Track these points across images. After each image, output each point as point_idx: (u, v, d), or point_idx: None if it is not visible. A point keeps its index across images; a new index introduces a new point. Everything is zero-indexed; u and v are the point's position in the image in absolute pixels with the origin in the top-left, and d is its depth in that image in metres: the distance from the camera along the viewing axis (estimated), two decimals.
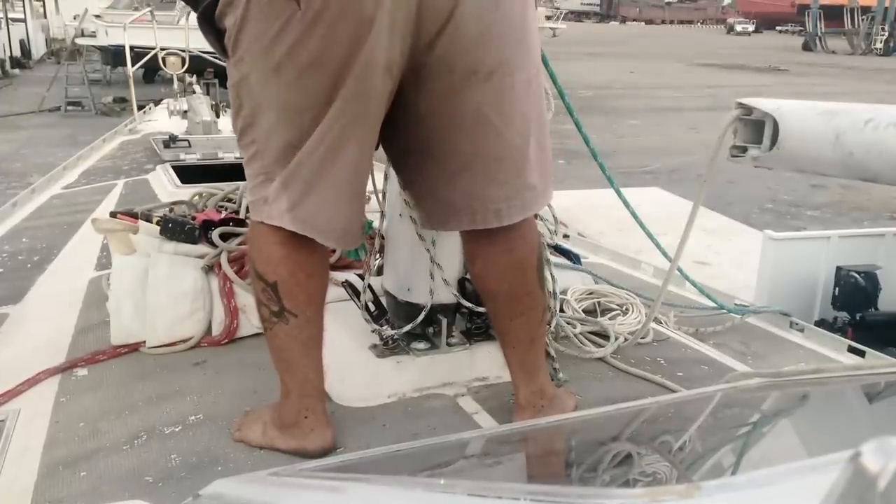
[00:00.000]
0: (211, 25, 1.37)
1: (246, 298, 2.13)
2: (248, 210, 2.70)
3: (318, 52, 1.27)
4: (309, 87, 1.32)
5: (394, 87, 1.36)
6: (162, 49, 7.14)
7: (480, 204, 1.45)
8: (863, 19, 36.99)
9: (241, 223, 2.51)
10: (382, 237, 1.98)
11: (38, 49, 24.58)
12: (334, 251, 2.37)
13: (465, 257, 1.60)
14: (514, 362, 1.62)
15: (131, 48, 7.07)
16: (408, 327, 1.85)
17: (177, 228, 2.33)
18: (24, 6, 23.41)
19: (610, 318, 2.24)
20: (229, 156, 4.39)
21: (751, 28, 54.79)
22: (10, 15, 21.79)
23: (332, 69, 1.29)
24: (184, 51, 7.16)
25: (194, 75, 6.83)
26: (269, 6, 1.27)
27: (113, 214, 2.62)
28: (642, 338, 2.15)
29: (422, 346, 1.90)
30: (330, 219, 1.42)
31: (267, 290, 1.45)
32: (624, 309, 2.30)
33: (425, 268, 1.82)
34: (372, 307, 1.90)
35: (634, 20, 68.87)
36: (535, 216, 1.63)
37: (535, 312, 1.57)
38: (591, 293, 2.39)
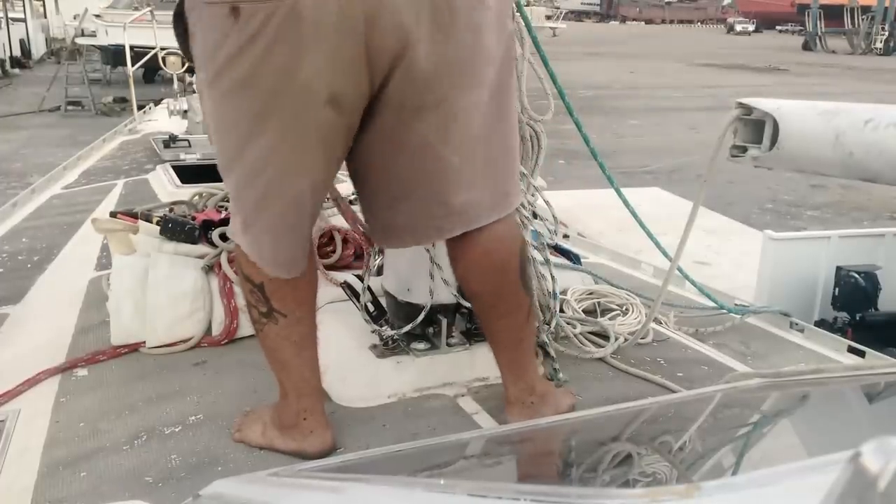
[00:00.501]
0: (182, 27, 1.36)
1: None
2: None
3: (251, 70, 1.24)
4: (240, 105, 1.29)
5: (351, 121, 1.33)
6: (162, 49, 7.14)
7: (422, 223, 1.46)
8: (863, 19, 36.97)
9: None
10: None
11: (38, 49, 24.56)
12: (333, 252, 2.37)
13: (449, 262, 1.60)
14: (502, 362, 1.64)
15: (131, 48, 7.08)
16: (408, 327, 1.85)
17: (177, 228, 2.33)
18: (24, 6, 23.39)
19: (610, 319, 2.24)
20: None
21: (751, 28, 54.77)
22: (10, 14, 21.79)
23: (265, 90, 1.26)
24: None
25: (194, 75, 6.82)
26: (212, 17, 1.24)
27: (113, 214, 2.62)
28: (642, 338, 2.15)
29: (422, 346, 1.90)
30: (272, 249, 1.41)
31: (255, 292, 1.46)
32: (624, 309, 2.30)
33: (425, 268, 1.82)
34: (371, 308, 1.90)
35: (634, 20, 68.85)
36: (536, 217, 1.63)
37: (518, 313, 1.57)
38: (591, 293, 2.39)
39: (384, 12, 1.22)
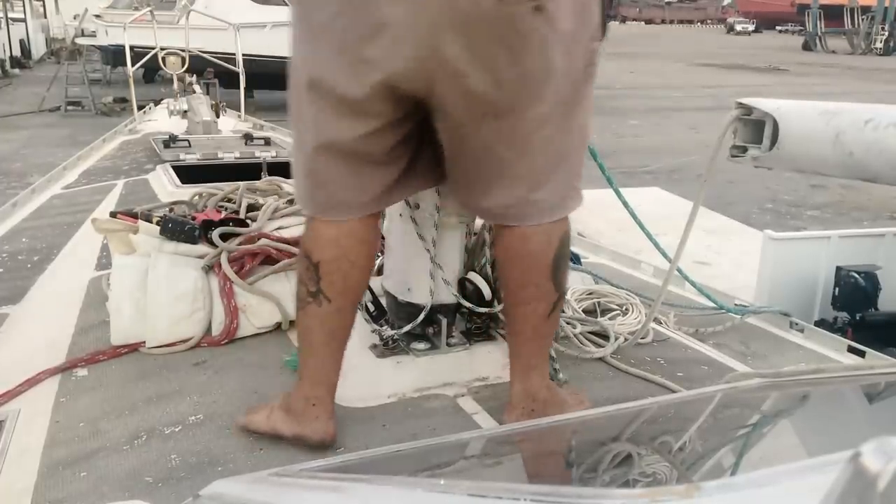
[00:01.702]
0: None
1: (246, 298, 2.13)
2: (248, 210, 2.72)
3: (330, 19, 1.32)
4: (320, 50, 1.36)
5: (405, 113, 1.40)
6: (162, 49, 7.14)
7: (489, 213, 1.57)
8: (863, 19, 36.98)
9: (242, 223, 2.51)
10: (382, 237, 1.98)
11: (38, 49, 24.57)
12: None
13: (492, 237, 1.71)
14: (512, 351, 1.64)
15: (131, 48, 7.06)
16: (408, 327, 1.85)
17: (177, 228, 2.33)
18: (24, 6, 23.40)
19: (610, 319, 2.24)
20: (229, 156, 4.39)
21: (751, 28, 54.77)
22: (10, 15, 21.79)
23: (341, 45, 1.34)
24: (184, 51, 7.16)
25: (194, 75, 6.83)
26: None
27: (113, 214, 2.62)
28: (642, 338, 2.15)
29: (422, 346, 1.90)
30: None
31: (310, 269, 1.50)
32: (624, 309, 2.30)
33: (425, 268, 1.82)
34: (372, 307, 1.90)
35: (634, 20, 68.76)
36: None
37: (541, 303, 1.57)
38: (591, 293, 2.39)
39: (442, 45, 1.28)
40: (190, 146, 4.58)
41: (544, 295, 1.56)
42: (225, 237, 2.32)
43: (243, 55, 7.21)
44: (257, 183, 3.18)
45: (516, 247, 1.54)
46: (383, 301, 1.94)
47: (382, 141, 1.43)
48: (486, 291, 1.86)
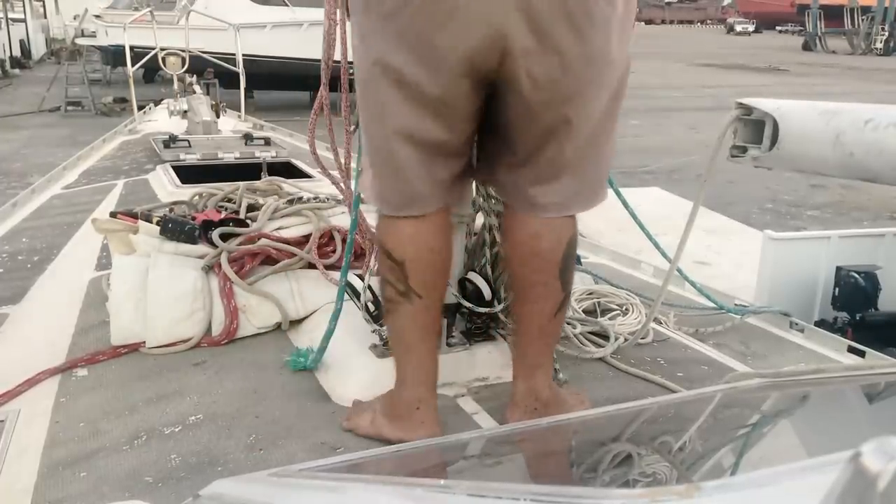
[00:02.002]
0: None
1: (246, 298, 2.13)
2: (248, 210, 2.72)
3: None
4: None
5: (478, 97, 1.40)
6: (162, 49, 7.14)
7: (522, 194, 1.53)
8: (863, 19, 36.97)
9: (242, 223, 2.51)
10: None
11: (38, 49, 24.58)
12: (333, 252, 2.37)
13: (501, 234, 1.68)
14: (518, 351, 1.65)
15: (131, 48, 7.07)
16: None
17: (177, 228, 2.33)
18: (24, 6, 23.41)
19: (610, 319, 2.24)
20: (229, 156, 4.39)
21: (751, 28, 54.75)
22: (10, 15, 21.80)
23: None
24: (184, 51, 7.16)
25: (194, 75, 6.83)
26: None
27: (113, 214, 2.62)
28: (642, 338, 2.15)
29: None
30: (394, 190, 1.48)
31: (395, 269, 1.49)
32: (624, 309, 2.30)
33: None
34: (372, 307, 1.90)
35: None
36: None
37: (548, 302, 1.58)
38: (591, 293, 2.39)
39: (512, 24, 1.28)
40: (190, 146, 4.58)
41: (552, 294, 1.57)
42: (225, 237, 2.32)
43: (243, 55, 7.21)
44: (257, 183, 3.18)
45: (528, 244, 1.55)
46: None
47: (457, 129, 1.44)
48: (486, 291, 1.86)
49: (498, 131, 1.48)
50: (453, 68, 1.33)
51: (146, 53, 7.75)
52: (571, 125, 1.41)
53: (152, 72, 14.00)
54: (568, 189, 1.50)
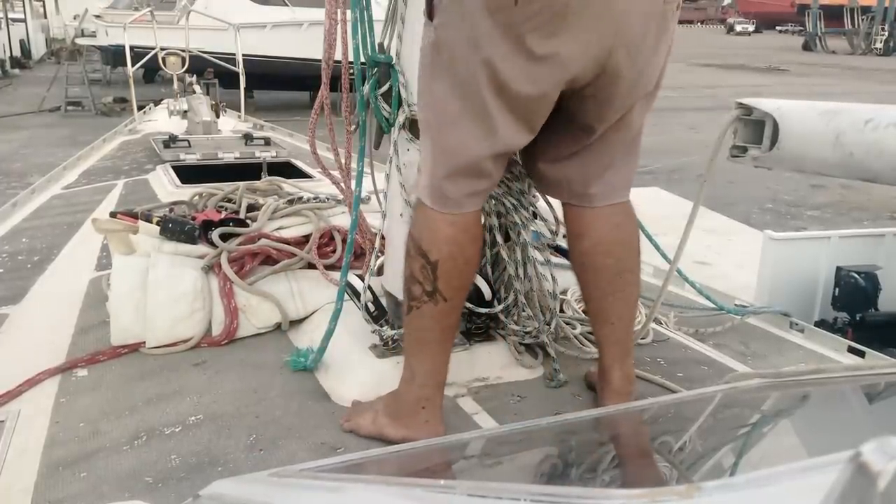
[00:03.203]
0: None
1: (246, 298, 2.13)
2: (247, 210, 2.72)
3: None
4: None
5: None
6: (162, 49, 7.14)
7: (578, 187, 1.61)
8: (863, 19, 36.96)
9: (241, 223, 2.51)
10: (382, 237, 1.98)
11: (38, 49, 24.57)
12: (333, 252, 2.37)
13: (569, 237, 1.71)
14: (610, 340, 1.68)
15: (131, 48, 7.07)
16: None
17: (177, 228, 2.33)
18: (24, 6, 23.40)
19: None
20: (229, 156, 4.39)
21: (751, 28, 54.72)
22: (10, 15, 21.79)
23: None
24: (184, 51, 7.16)
25: (194, 75, 6.84)
26: None
27: (113, 214, 2.62)
28: (642, 338, 2.15)
29: None
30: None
31: (426, 268, 1.50)
32: None
33: None
34: (372, 307, 1.90)
35: None
36: (537, 218, 1.69)
37: (634, 289, 1.66)
38: None
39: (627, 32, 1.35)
40: (190, 146, 4.58)
41: (637, 279, 1.66)
42: (225, 237, 2.32)
43: (243, 55, 7.21)
44: (257, 183, 3.18)
45: (610, 236, 1.61)
46: (383, 301, 1.94)
47: (531, 135, 1.48)
48: (487, 292, 1.86)
49: (557, 130, 1.53)
50: (559, 82, 1.38)
51: (146, 53, 7.75)
52: (630, 121, 1.53)
53: (152, 72, 14.00)
54: (625, 172, 1.60)
